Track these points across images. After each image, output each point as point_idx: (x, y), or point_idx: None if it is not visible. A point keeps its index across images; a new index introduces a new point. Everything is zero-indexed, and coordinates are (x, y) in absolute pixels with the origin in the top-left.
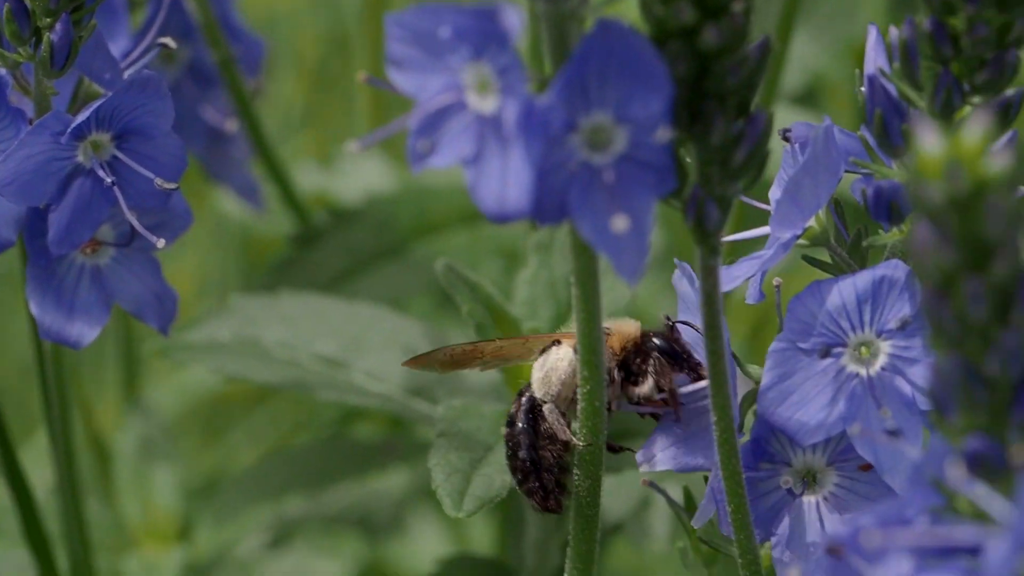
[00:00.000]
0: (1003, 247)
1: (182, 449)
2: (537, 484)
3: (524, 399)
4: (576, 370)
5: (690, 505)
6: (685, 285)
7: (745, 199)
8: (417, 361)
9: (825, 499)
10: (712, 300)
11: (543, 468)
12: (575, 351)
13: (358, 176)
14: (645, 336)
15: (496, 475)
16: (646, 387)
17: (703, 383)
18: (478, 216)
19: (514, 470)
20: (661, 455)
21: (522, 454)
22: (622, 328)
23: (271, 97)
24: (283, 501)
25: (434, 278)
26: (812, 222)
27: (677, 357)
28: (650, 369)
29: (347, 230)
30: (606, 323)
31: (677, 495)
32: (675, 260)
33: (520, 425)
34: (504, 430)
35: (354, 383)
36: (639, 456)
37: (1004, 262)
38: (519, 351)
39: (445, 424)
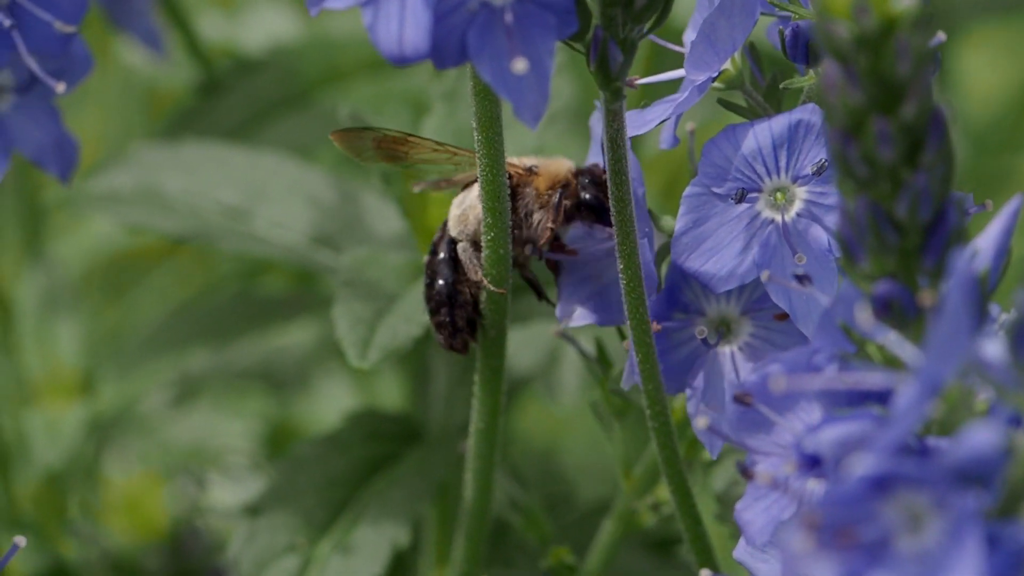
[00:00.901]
0: (913, 87)
1: (88, 306)
2: (449, 318)
3: (445, 233)
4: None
5: (602, 357)
6: (599, 126)
7: (659, 41)
8: (345, 135)
9: (740, 349)
10: (617, 145)
11: (457, 303)
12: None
13: (264, 26)
14: (579, 175)
15: (401, 325)
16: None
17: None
18: (385, 65)
19: (428, 299)
20: (580, 309)
21: (439, 284)
22: (550, 167)
23: None
24: (186, 357)
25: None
26: (728, 65)
27: (604, 213)
28: (576, 214)
29: (251, 79)
30: (533, 161)
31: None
32: (596, 102)
33: (441, 255)
34: (425, 258)
35: (257, 233)
36: (558, 311)
37: (913, 102)
38: (444, 161)
39: (349, 273)
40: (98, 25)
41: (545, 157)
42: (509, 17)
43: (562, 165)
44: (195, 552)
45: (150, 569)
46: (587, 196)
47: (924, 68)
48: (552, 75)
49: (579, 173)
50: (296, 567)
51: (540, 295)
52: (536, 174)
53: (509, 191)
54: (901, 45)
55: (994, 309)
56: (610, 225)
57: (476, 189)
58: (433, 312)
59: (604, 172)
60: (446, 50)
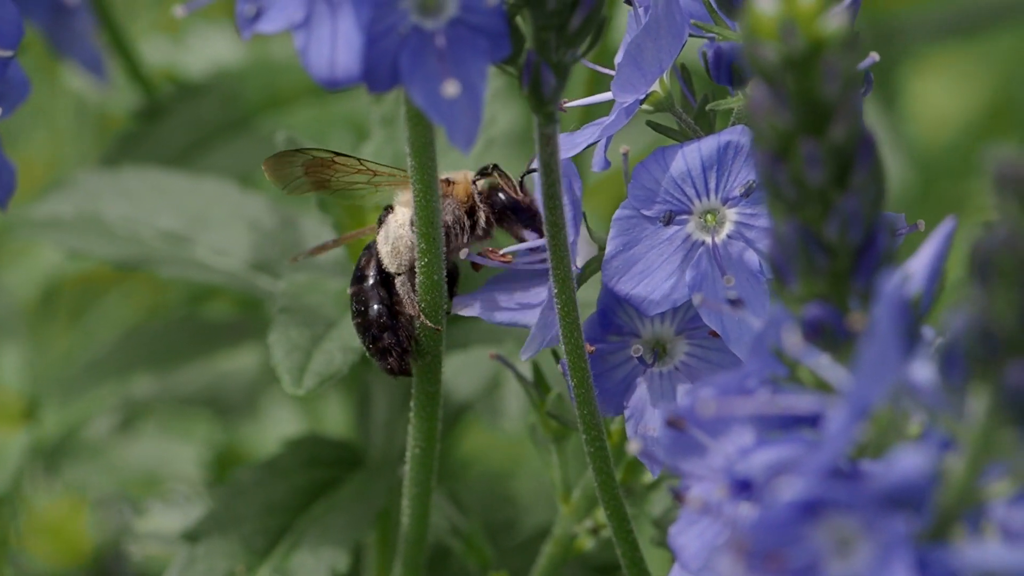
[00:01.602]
0: (841, 109)
1: (38, 332)
2: (394, 341)
3: (371, 258)
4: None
5: (539, 380)
6: None
7: (591, 65)
8: (275, 164)
9: (677, 369)
10: (551, 169)
11: (399, 325)
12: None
13: (206, 51)
14: (492, 189)
15: (337, 352)
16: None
17: (540, 242)
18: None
19: (365, 327)
20: (479, 303)
21: (375, 309)
22: (461, 176)
23: None
24: (132, 382)
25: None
26: (656, 87)
27: (518, 209)
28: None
29: (193, 103)
30: (446, 174)
31: (527, 371)
32: None
33: (370, 281)
34: (350, 288)
35: (198, 259)
36: (455, 301)
37: (842, 124)
38: (363, 184)
39: (287, 299)
40: (45, 52)
41: (450, 171)
42: (441, 40)
43: (468, 174)
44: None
45: None
46: (502, 197)
47: (852, 90)
48: (488, 101)
49: (493, 187)
50: None
51: (451, 287)
52: (453, 183)
53: None
54: (829, 67)
55: (929, 332)
56: (525, 224)
57: (393, 219)
58: (375, 339)
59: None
60: (378, 74)
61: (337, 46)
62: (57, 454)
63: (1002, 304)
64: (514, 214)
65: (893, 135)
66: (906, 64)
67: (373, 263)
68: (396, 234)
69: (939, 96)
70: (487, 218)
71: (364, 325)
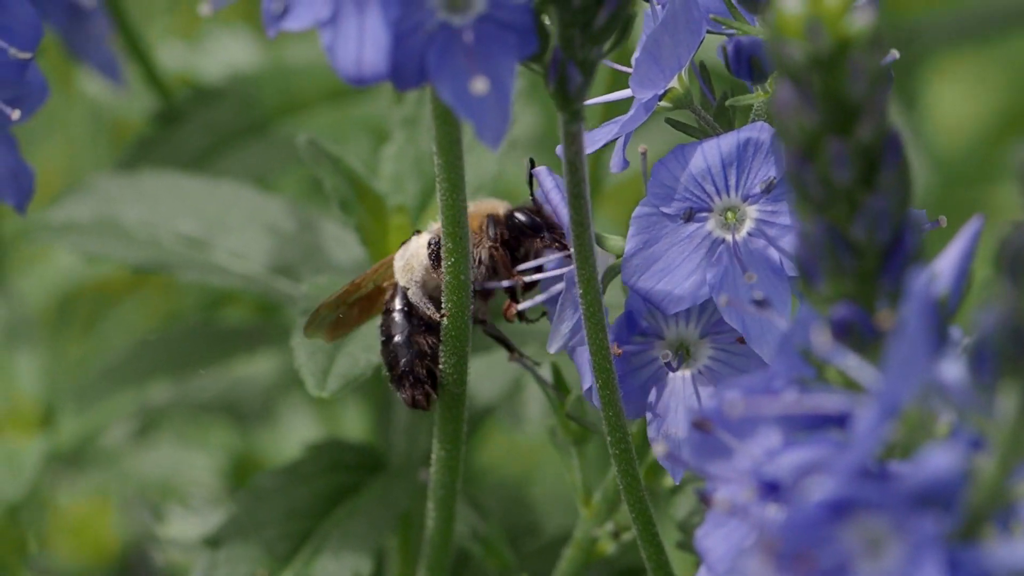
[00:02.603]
0: (868, 108)
1: (54, 339)
2: (408, 371)
3: (396, 290)
4: (436, 256)
5: (560, 383)
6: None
7: (610, 64)
8: (309, 327)
9: (700, 373)
10: (576, 168)
11: (416, 355)
12: (434, 240)
13: (224, 55)
14: (509, 214)
15: (360, 353)
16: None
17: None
18: (345, 94)
19: (388, 357)
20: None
21: (396, 340)
22: (482, 207)
23: None
24: (148, 388)
25: (300, 157)
26: (675, 83)
27: (538, 229)
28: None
29: (210, 108)
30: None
31: (548, 375)
32: None
33: (394, 311)
34: (380, 320)
35: (216, 263)
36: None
37: (869, 123)
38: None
39: (308, 302)
40: (61, 57)
41: (475, 200)
42: (469, 37)
43: (495, 205)
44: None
45: None
46: (519, 216)
47: (879, 89)
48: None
49: (509, 213)
50: None
51: (511, 349)
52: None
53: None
54: (856, 66)
55: (956, 332)
56: (546, 244)
57: (415, 240)
58: (391, 367)
59: (536, 206)
60: (406, 71)
61: (364, 43)
62: (75, 461)
63: None
64: (532, 231)
65: (914, 138)
66: (924, 67)
67: (398, 295)
68: (412, 252)
69: (956, 103)
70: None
71: (386, 356)
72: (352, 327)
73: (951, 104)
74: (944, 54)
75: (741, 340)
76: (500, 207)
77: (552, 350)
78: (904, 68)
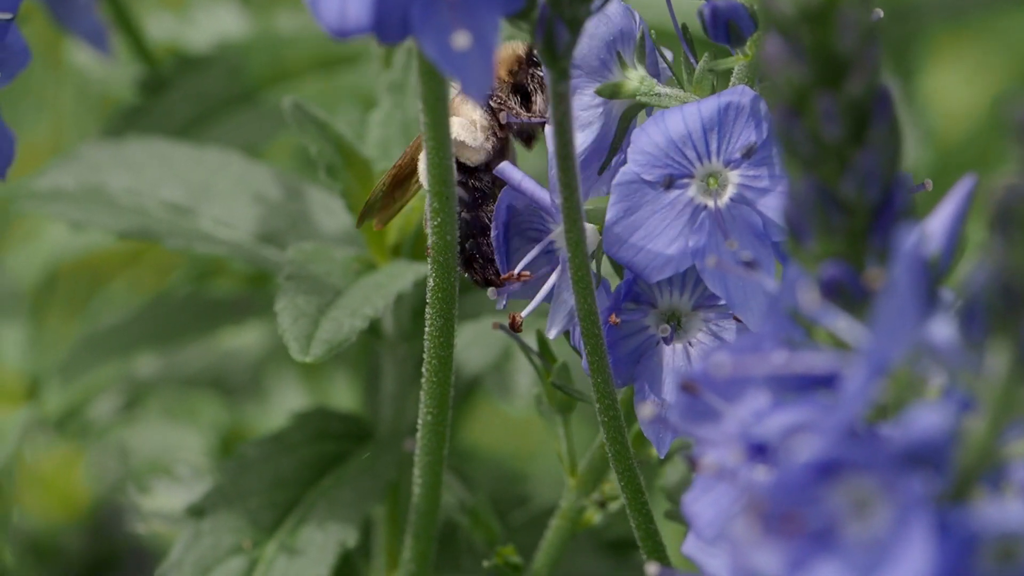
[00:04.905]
0: (858, 62)
1: (41, 323)
2: (476, 252)
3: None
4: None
5: (545, 350)
6: None
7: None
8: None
9: (691, 344)
10: (564, 129)
11: (480, 231)
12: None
13: (211, 25)
14: (529, 52)
15: (346, 319)
16: (540, 101)
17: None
18: (334, 63)
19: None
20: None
21: (460, 217)
22: (502, 54)
23: None
24: (135, 361)
25: (287, 125)
26: (622, 76)
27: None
28: (540, 83)
29: (197, 76)
30: None
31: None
32: None
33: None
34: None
35: (202, 230)
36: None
37: (859, 78)
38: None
39: (293, 268)
40: (48, 27)
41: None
42: None
43: (514, 47)
44: (117, 532)
45: (69, 550)
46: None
47: (869, 43)
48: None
49: (529, 51)
50: (241, 569)
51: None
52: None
53: None
54: (845, 19)
55: (948, 294)
56: None
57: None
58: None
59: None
60: (389, 24)
61: None
62: (60, 434)
63: (1023, 258)
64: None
65: (908, 112)
66: (922, 44)
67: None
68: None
69: (956, 90)
70: (531, 85)
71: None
72: (400, 207)
73: (952, 92)
74: (943, 32)
75: (737, 319)
76: (516, 51)
77: (551, 335)
78: (901, 43)
